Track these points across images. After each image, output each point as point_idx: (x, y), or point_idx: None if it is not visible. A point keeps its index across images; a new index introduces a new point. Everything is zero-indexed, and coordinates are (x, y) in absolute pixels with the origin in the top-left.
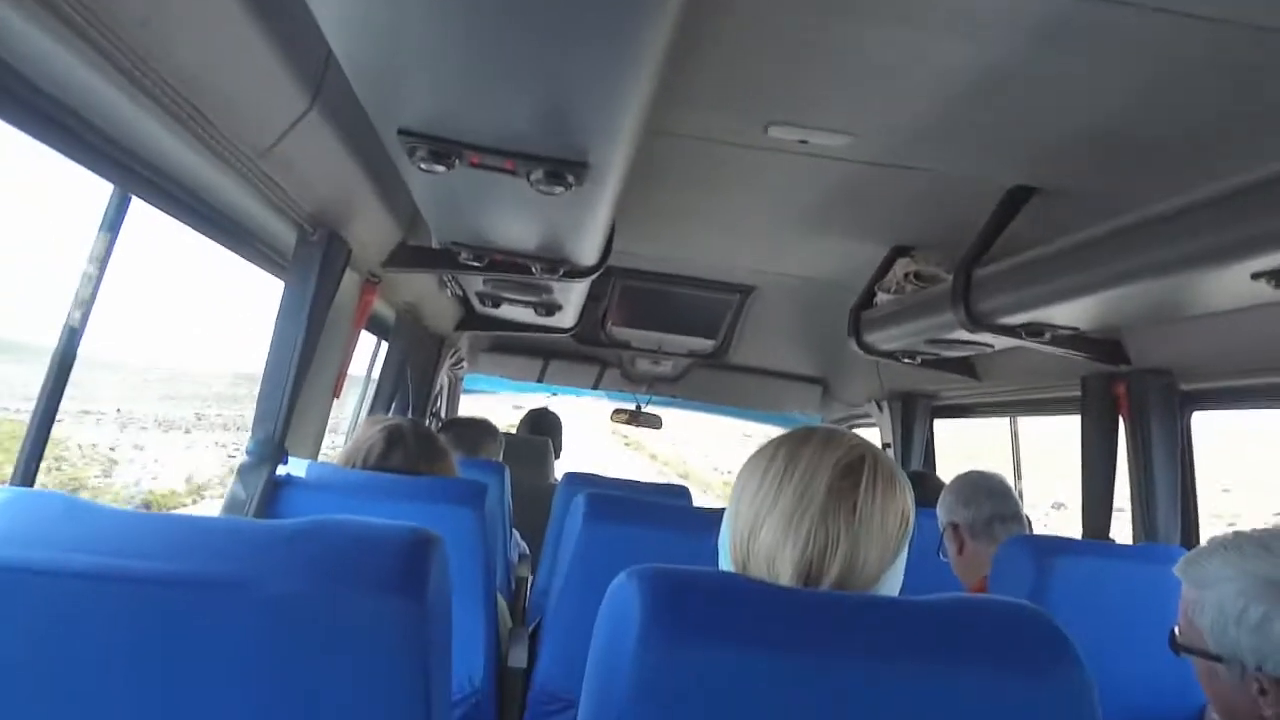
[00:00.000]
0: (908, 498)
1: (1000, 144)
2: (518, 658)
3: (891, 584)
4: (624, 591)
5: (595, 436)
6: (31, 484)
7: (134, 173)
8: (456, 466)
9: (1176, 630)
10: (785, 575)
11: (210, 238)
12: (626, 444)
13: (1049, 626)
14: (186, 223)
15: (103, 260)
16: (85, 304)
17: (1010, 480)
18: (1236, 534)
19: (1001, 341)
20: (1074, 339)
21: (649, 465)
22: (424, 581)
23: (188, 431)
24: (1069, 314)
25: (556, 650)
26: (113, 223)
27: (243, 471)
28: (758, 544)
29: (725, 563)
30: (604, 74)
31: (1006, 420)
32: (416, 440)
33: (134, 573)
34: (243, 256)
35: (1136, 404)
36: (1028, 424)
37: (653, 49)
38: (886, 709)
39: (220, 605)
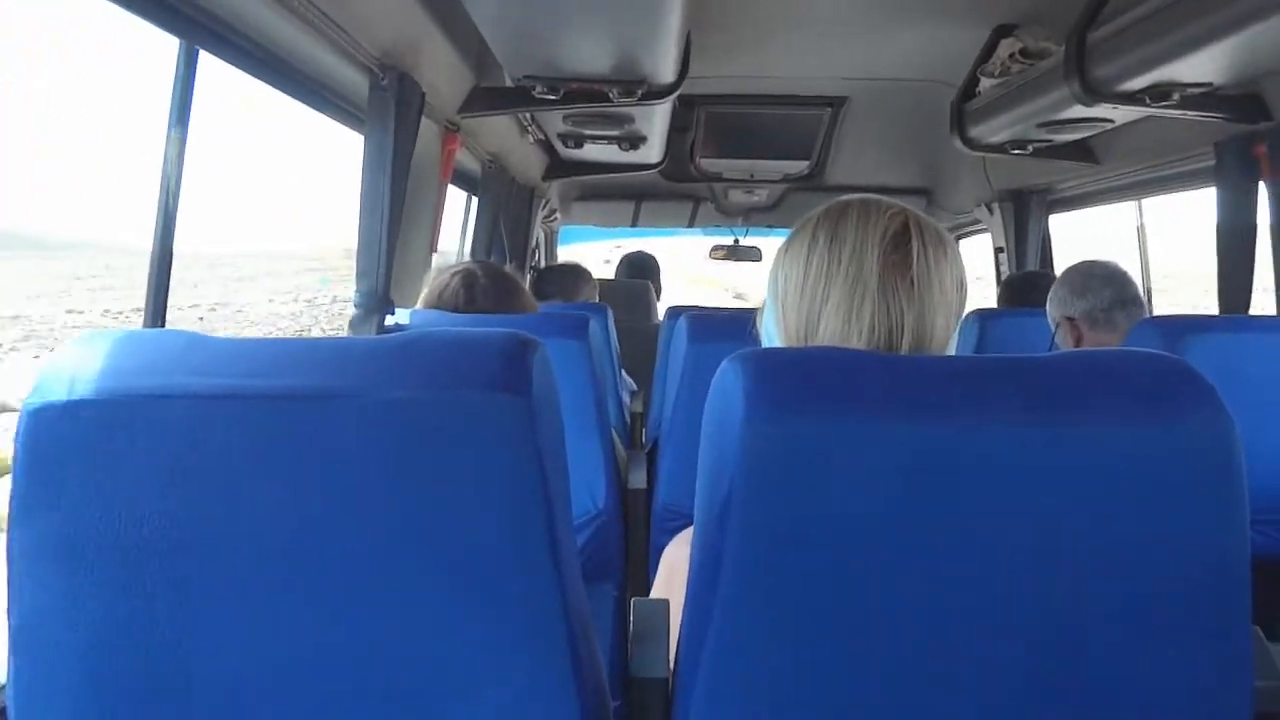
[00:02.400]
0: (959, 258)
1: None
2: (637, 479)
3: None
4: (728, 375)
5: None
6: None
7: (198, 24)
8: (538, 306)
9: None
10: None
11: (283, 90)
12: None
13: (1184, 369)
14: (257, 75)
15: (182, 116)
16: (176, 166)
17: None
18: None
19: (1123, 113)
20: (1206, 98)
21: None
22: (527, 378)
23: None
24: (1198, 67)
25: (674, 467)
26: (184, 81)
27: (354, 324)
28: (818, 340)
29: None
30: None
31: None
32: (491, 280)
33: (255, 390)
34: (318, 109)
35: None
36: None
37: None
38: (1011, 463)
39: (337, 414)
